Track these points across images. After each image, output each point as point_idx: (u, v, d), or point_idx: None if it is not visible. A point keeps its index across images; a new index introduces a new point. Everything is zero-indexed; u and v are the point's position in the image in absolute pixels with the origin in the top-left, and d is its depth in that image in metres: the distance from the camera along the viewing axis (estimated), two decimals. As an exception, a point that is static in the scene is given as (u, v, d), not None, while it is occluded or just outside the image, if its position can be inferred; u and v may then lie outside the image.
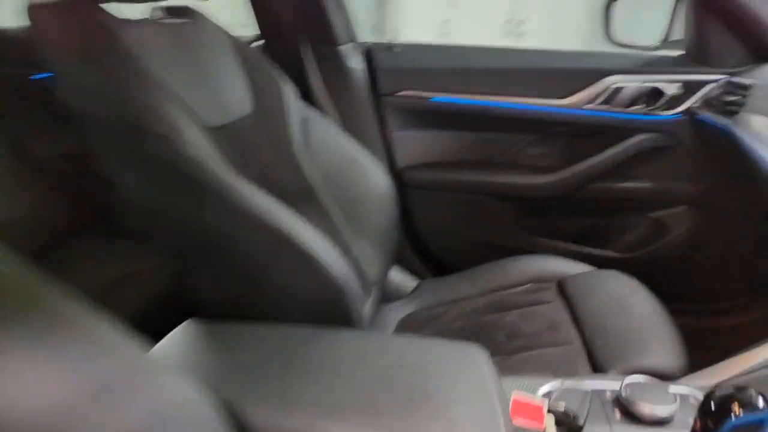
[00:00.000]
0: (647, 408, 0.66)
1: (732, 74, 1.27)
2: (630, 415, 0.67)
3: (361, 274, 1.04)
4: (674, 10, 1.38)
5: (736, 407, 0.54)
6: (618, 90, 1.34)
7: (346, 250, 0.99)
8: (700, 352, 0.95)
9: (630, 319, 1.05)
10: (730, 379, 0.76)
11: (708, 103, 1.29)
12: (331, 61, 1.43)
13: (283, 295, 0.82)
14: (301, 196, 0.98)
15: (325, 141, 1.11)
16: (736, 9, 1.21)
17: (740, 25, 1.23)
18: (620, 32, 1.57)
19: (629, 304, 1.10)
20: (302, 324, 0.74)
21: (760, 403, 0.53)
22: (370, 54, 1.50)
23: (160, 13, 0.96)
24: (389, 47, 1.53)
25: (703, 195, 1.38)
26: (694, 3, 1.30)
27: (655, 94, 1.33)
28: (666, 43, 1.41)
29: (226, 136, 0.90)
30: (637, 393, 0.68)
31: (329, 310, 0.83)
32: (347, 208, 1.07)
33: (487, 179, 1.50)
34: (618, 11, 1.57)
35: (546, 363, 0.99)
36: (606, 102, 1.36)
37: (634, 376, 0.71)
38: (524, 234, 1.52)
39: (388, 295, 1.30)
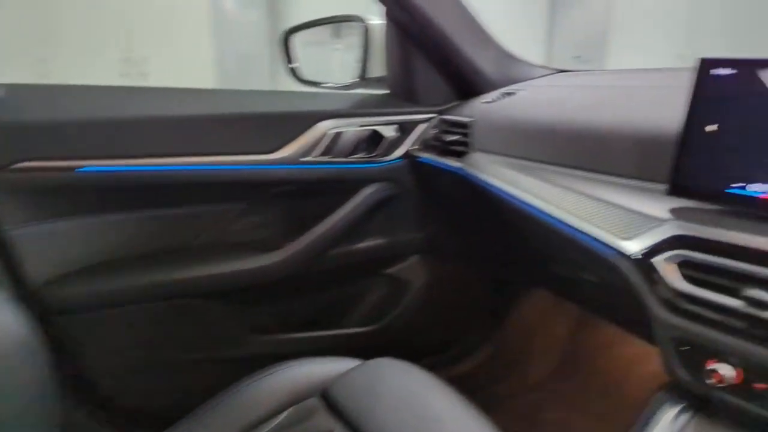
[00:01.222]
0: None
1: (441, 112, 1.19)
2: None
3: None
4: (366, 45, 1.23)
5: None
6: (337, 137, 1.11)
7: None
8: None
9: (433, 424, 0.81)
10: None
11: (427, 143, 1.18)
12: None
13: None
14: None
15: None
16: (438, 48, 1.13)
17: (443, 63, 1.16)
18: (305, 69, 1.36)
19: (419, 402, 0.86)
20: None
21: None
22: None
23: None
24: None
25: (432, 242, 1.28)
26: (395, 40, 1.18)
27: (374, 138, 1.16)
28: (363, 81, 1.26)
29: None
30: None
31: None
32: None
33: (184, 274, 1.06)
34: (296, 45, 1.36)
35: None
36: (326, 152, 1.11)
37: None
38: (252, 336, 1.14)
39: None
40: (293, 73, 1.33)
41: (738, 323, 0.56)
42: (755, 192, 0.60)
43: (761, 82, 0.60)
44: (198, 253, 1.09)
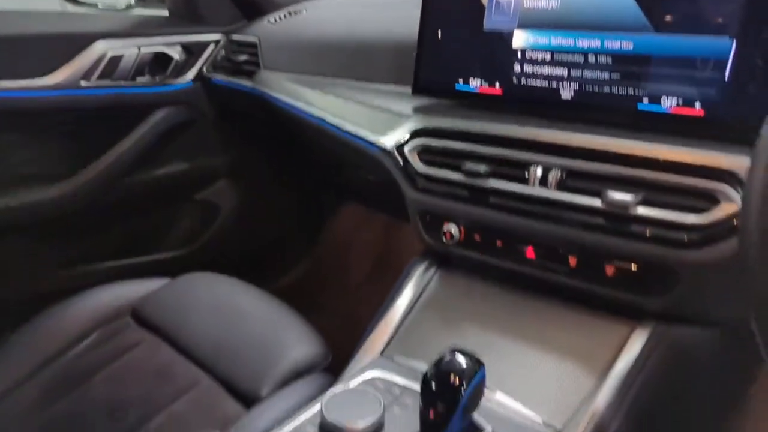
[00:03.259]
0: (361, 426, 0.54)
1: (228, 32, 1.20)
2: None
3: None
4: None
5: (455, 379, 0.49)
6: (116, 59, 1.06)
7: None
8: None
9: (243, 324, 0.88)
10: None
11: (217, 65, 1.19)
12: None
13: None
14: None
15: None
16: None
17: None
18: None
19: (230, 305, 0.93)
20: None
21: (468, 360, 0.50)
22: None
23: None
24: None
25: (238, 165, 1.31)
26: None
27: (161, 60, 1.12)
28: (142, 1, 1.20)
29: None
30: (338, 412, 0.55)
31: None
32: None
33: None
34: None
35: (185, 423, 0.74)
36: (105, 76, 1.05)
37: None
38: (60, 271, 1.09)
39: None
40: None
41: (460, 192, 0.72)
42: (473, 87, 0.74)
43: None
44: None
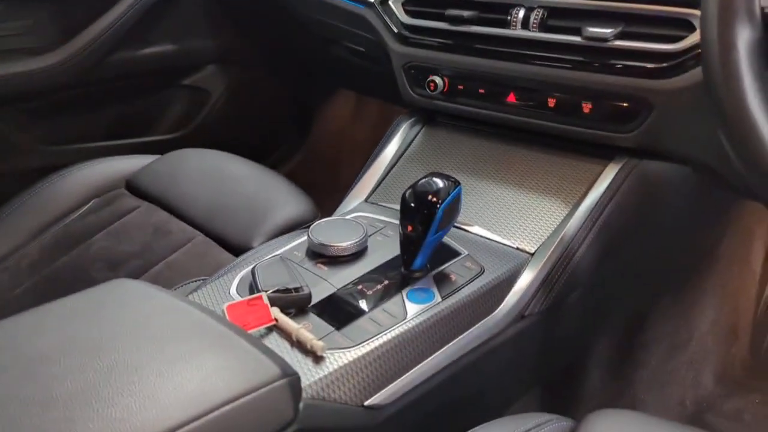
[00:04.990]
0: (345, 244, 0.58)
1: None
2: (334, 258, 0.58)
3: None
4: None
5: (432, 197, 0.52)
6: None
7: None
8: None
9: (234, 188, 0.90)
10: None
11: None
12: None
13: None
14: None
15: None
16: None
17: None
18: None
19: (222, 173, 0.95)
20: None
21: (445, 179, 0.53)
22: None
23: None
24: None
25: (228, 49, 1.29)
26: None
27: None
28: None
29: None
30: (323, 235, 0.59)
31: None
32: None
33: None
34: None
35: (181, 270, 0.78)
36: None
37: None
38: (49, 147, 1.11)
39: None
40: None
41: (444, 40, 0.72)
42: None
43: None
44: None
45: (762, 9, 0.39)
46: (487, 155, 0.73)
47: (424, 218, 0.52)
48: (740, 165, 0.42)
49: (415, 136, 0.78)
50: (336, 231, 0.59)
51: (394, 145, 0.77)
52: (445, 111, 0.77)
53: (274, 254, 0.60)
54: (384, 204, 0.71)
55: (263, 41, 1.32)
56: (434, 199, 0.52)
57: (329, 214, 0.81)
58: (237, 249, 0.77)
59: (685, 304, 0.84)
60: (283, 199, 0.85)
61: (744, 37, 0.38)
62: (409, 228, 0.53)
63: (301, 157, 1.58)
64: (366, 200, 0.73)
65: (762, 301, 0.95)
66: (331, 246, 0.57)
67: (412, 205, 0.53)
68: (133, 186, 0.92)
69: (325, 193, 1.60)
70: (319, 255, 0.58)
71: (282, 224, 0.79)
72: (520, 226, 0.64)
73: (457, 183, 0.53)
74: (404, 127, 0.79)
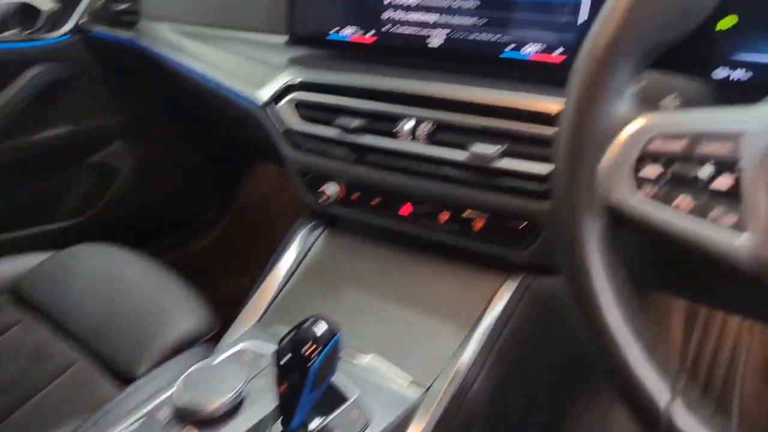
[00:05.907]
0: (216, 405, 0.52)
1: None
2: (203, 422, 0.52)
3: None
4: None
5: (309, 350, 0.47)
6: None
7: None
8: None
9: (127, 297, 0.82)
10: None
11: (97, 16, 1.08)
12: None
13: None
14: None
15: None
16: None
17: None
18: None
19: (116, 278, 0.87)
20: None
21: (322, 328, 0.48)
22: None
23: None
24: None
25: (135, 124, 1.22)
26: None
27: (28, 12, 1.01)
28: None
29: None
30: (192, 391, 0.53)
31: None
32: None
33: None
34: None
35: (58, 406, 0.70)
36: None
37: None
38: None
39: None
40: None
41: (335, 149, 0.68)
42: (346, 36, 0.70)
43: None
44: None
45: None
46: (388, 267, 0.69)
47: (297, 380, 0.48)
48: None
49: (314, 242, 0.74)
50: (210, 383, 0.54)
51: (291, 255, 0.73)
52: (342, 218, 0.73)
53: (139, 414, 0.54)
54: (278, 326, 0.66)
55: (174, 114, 1.27)
56: (307, 356, 0.47)
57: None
58: (122, 376, 0.70)
59: (601, 407, 0.82)
60: (179, 309, 0.78)
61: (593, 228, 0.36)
62: (282, 388, 0.48)
63: (228, 222, 1.52)
64: (260, 320, 0.68)
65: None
66: (198, 411, 0.51)
67: (282, 364, 0.48)
68: (18, 292, 0.84)
69: (253, 257, 1.54)
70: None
71: (174, 343, 0.73)
72: (416, 352, 0.60)
73: (334, 332, 0.49)
74: (302, 233, 0.74)
